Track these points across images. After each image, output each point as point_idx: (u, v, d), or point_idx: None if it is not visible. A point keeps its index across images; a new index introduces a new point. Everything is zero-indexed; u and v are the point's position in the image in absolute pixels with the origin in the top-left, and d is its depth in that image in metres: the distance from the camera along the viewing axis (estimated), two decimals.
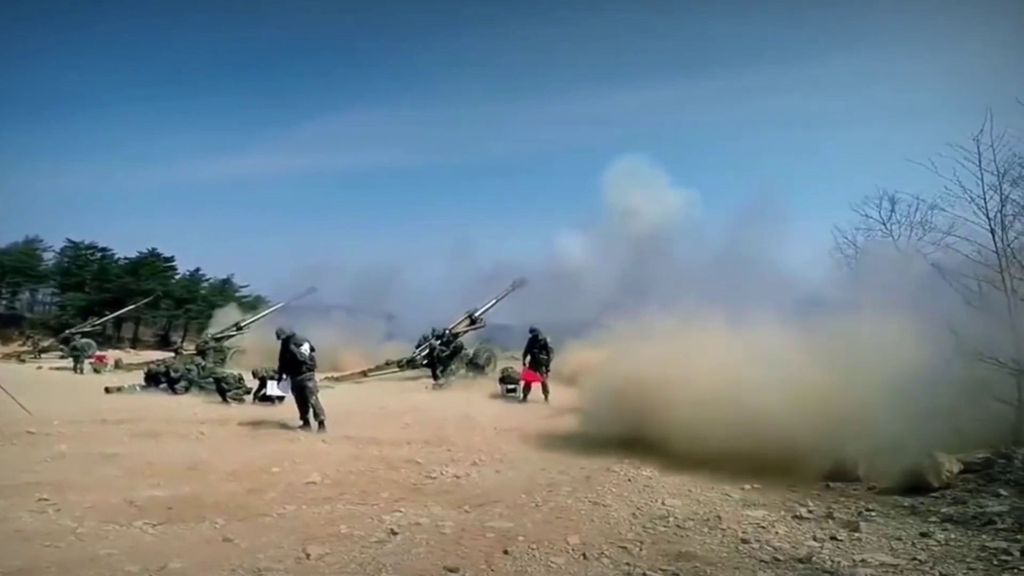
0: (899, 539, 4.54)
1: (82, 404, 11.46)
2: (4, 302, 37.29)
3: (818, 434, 6.13)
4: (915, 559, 4.14)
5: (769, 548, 4.44)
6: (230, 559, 4.10)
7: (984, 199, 5.95)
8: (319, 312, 24.48)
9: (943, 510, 5.09)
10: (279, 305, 25.02)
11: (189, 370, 14.31)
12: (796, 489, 5.97)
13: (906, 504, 5.33)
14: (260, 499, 5.63)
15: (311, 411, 9.54)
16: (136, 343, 34.33)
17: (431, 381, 17.69)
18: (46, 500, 5.27)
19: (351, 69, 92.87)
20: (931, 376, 5.56)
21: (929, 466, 5.62)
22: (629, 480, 6.57)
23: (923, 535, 4.59)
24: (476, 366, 18.39)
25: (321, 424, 9.42)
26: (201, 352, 19.25)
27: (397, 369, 19.13)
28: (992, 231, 6.12)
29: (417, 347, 19.29)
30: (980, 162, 5.95)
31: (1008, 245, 5.27)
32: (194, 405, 12.03)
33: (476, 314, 20.27)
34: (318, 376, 10.50)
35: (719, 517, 5.17)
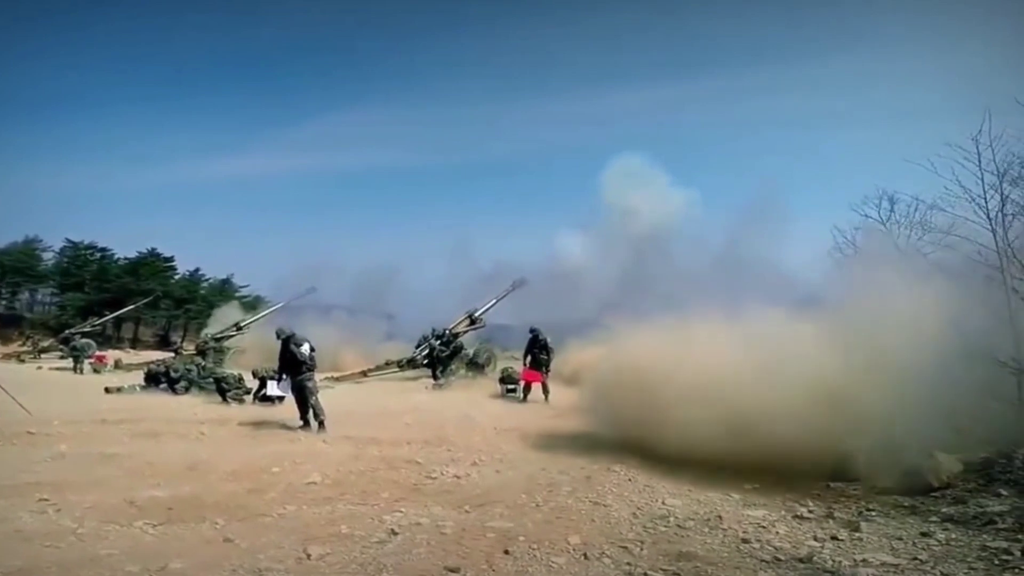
0: (900, 539, 4.55)
1: (82, 404, 11.45)
2: (4, 302, 37.28)
3: (817, 433, 6.09)
4: (916, 559, 4.14)
5: (770, 548, 4.44)
6: (231, 559, 4.09)
7: (985, 199, 5.95)
8: (319, 312, 24.51)
9: (944, 510, 5.10)
10: (279, 305, 25.02)
11: (189, 370, 14.30)
12: (796, 489, 5.96)
13: (906, 504, 5.33)
14: (260, 499, 5.62)
15: (311, 411, 9.53)
16: (136, 343, 34.33)
17: (431, 381, 17.70)
18: (46, 500, 5.26)
19: (351, 69, 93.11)
20: (932, 375, 5.54)
21: (929, 466, 5.62)
22: (629, 480, 6.56)
23: (924, 535, 4.59)
24: (476, 366, 18.39)
25: (321, 424, 9.41)
26: (201, 352, 19.23)
27: (397, 369, 19.14)
28: (993, 230, 6.12)
29: (417, 347, 19.30)
30: (980, 162, 5.96)
31: (1009, 244, 5.27)
32: (194, 405, 12.02)
33: (476, 314, 20.27)
34: (318, 376, 10.50)
35: (720, 517, 5.17)
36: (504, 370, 15.62)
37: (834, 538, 4.62)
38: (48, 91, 79.73)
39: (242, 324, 22.89)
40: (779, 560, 4.20)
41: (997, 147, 6.06)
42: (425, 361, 18.74)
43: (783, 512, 5.33)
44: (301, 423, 9.54)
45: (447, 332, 19.00)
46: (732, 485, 6.11)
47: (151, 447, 7.83)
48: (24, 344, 26.94)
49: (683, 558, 4.25)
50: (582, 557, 4.26)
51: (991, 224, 6.09)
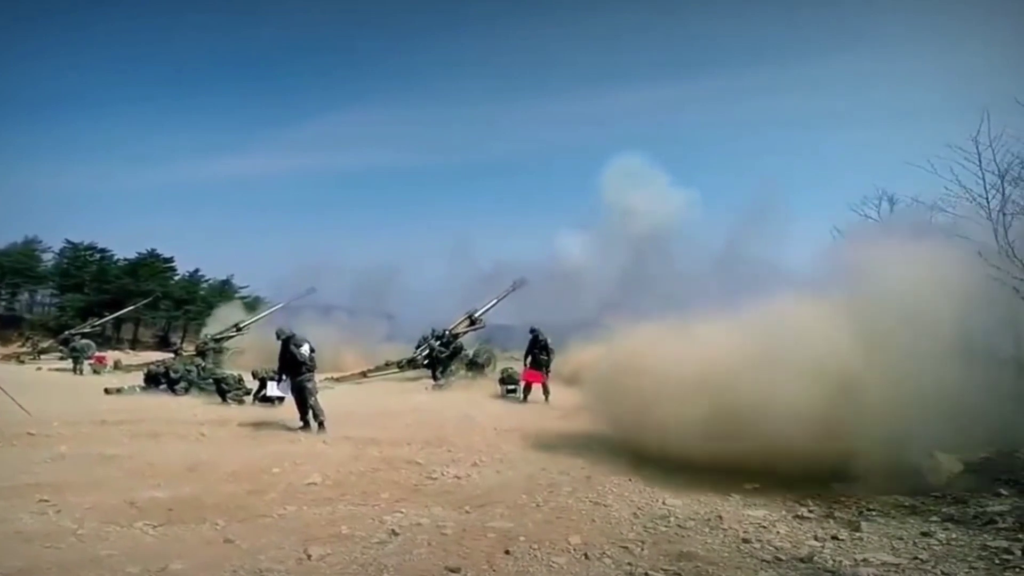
0: (900, 539, 4.55)
1: (82, 405, 11.45)
2: (3, 303, 37.32)
3: (817, 428, 6.01)
4: (917, 558, 4.14)
5: (770, 548, 4.44)
6: (231, 560, 4.09)
7: (987, 198, 5.94)
8: (319, 312, 24.52)
9: (944, 510, 5.10)
10: (279, 305, 25.01)
11: (189, 371, 14.30)
12: (797, 489, 5.95)
13: (907, 504, 5.33)
14: (261, 500, 5.62)
15: (310, 412, 9.53)
16: (135, 344, 34.36)
17: (431, 382, 17.70)
18: (46, 501, 5.26)
19: (351, 69, 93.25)
20: (934, 374, 5.50)
21: (930, 466, 5.61)
22: (630, 480, 6.56)
23: (924, 534, 4.59)
24: (476, 366, 18.40)
25: (321, 425, 9.41)
26: (201, 353, 19.24)
27: (397, 370, 19.14)
28: (995, 230, 6.11)
29: (417, 348, 19.30)
30: (980, 162, 5.95)
31: (1010, 244, 5.26)
32: (194, 406, 12.02)
33: (476, 315, 20.27)
34: (318, 377, 10.49)
35: (720, 517, 5.17)
36: (504, 370, 15.63)
37: (835, 538, 4.62)
38: (48, 91, 79.90)
39: (241, 325, 22.90)
40: (780, 560, 4.20)
41: (997, 147, 6.06)
42: (425, 362, 18.74)
43: (783, 512, 5.33)
44: (301, 424, 9.54)
45: (447, 333, 19.01)
46: (732, 485, 6.10)
47: (151, 448, 7.83)
48: (24, 345, 26.93)
49: (684, 558, 4.25)
50: (583, 557, 4.26)
51: (993, 224, 6.08)
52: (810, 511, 5.31)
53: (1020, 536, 4.37)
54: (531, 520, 5.18)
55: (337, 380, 17.31)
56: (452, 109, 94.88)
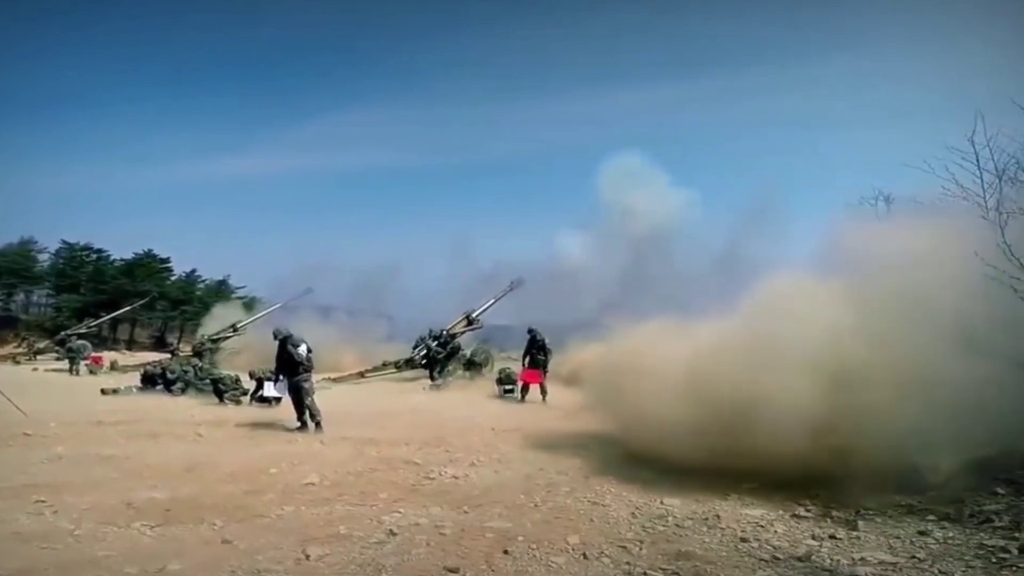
0: (898, 537, 4.56)
1: (78, 406, 11.42)
2: None
3: (815, 424, 5.96)
4: (914, 557, 4.16)
5: (768, 547, 4.45)
6: (229, 560, 4.08)
7: (984, 198, 5.95)
8: (319, 313, 24.49)
9: (941, 508, 5.10)
10: (276, 306, 24.98)
11: (186, 371, 14.27)
12: (794, 488, 5.95)
13: (904, 503, 5.33)
14: (258, 500, 5.61)
15: (307, 412, 9.52)
16: (132, 344, 34.30)
17: (429, 382, 17.70)
18: (43, 502, 5.24)
19: (351, 69, 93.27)
20: (933, 372, 5.46)
21: (927, 465, 5.60)
22: (628, 479, 6.56)
23: (921, 533, 4.61)
24: (474, 366, 18.41)
25: (318, 425, 9.40)
26: (197, 353, 19.21)
27: (395, 370, 19.14)
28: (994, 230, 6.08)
29: (414, 348, 19.30)
30: (978, 161, 5.95)
31: (1007, 243, 5.27)
32: (191, 406, 12.00)
33: (474, 315, 20.28)
34: (315, 377, 10.48)
35: (718, 516, 5.19)
36: (502, 370, 15.64)
37: (832, 537, 4.63)
38: (48, 91, 79.76)
39: (238, 325, 22.86)
40: (777, 559, 4.21)
41: (994, 146, 6.07)
42: (423, 362, 18.75)
43: (781, 511, 5.34)
44: (298, 424, 9.53)
45: (444, 333, 19.02)
46: (730, 484, 6.10)
47: (148, 448, 7.81)
48: (20, 346, 26.91)
49: (682, 557, 4.26)
50: (581, 557, 4.27)
51: (990, 223, 6.07)
52: (807, 510, 5.32)
53: (1016, 535, 4.39)
54: (529, 520, 5.18)
55: (335, 380, 17.31)
56: (452, 109, 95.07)
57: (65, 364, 19.78)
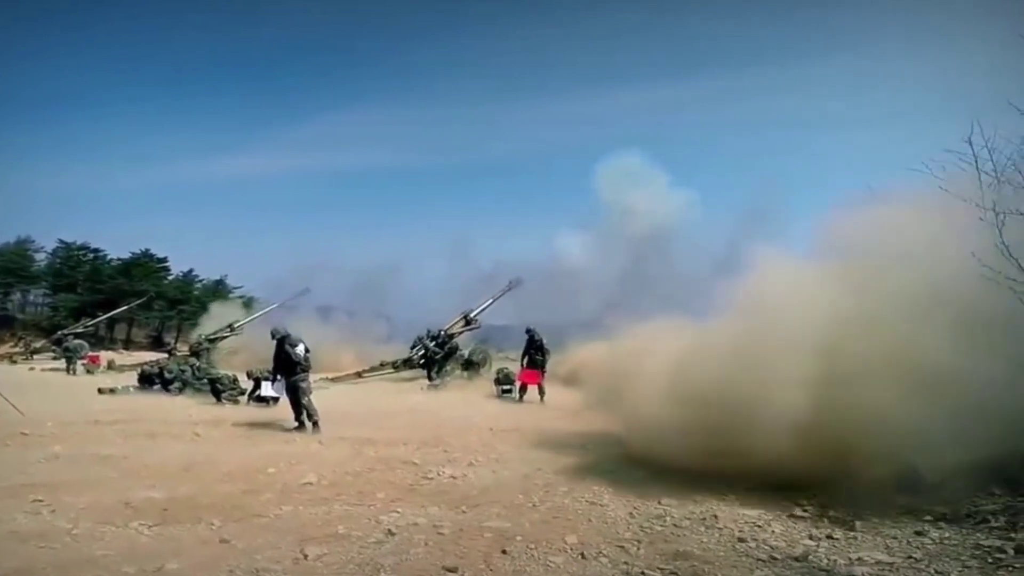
0: (894, 537, 4.58)
1: (75, 405, 11.41)
2: None
3: (811, 430, 5.96)
4: (911, 557, 4.17)
5: (765, 547, 4.46)
6: (227, 560, 4.08)
7: (982, 198, 5.95)
8: (318, 312, 24.48)
9: (937, 508, 5.11)
10: (273, 306, 24.96)
11: (183, 371, 14.26)
12: (791, 488, 5.96)
13: (901, 503, 5.34)
14: (256, 500, 5.61)
15: (304, 412, 9.51)
16: (129, 344, 34.27)
17: (427, 382, 17.70)
18: (41, 501, 5.23)
19: (351, 69, 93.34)
20: (933, 372, 5.45)
21: (924, 465, 5.61)
22: (626, 479, 6.56)
23: (918, 533, 4.62)
24: (472, 366, 18.42)
25: (315, 424, 9.40)
26: (195, 353, 19.17)
27: (392, 370, 19.15)
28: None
29: (412, 348, 19.31)
30: (976, 162, 5.95)
31: (1005, 244, 5.28)
32: (188, 406, 11.99)
33: (472, 315, 20.30)
34: (313, 377, 10.47)
35: (715, 516, 5.19)
36: (500, 371, 15.66)
37: (829, 537, 4.64)
38: (48, 91, 79.65)
39: (236, 325, 22.84)
40: (775, 559, 4.22)
41: (992, 146, 6.08)
42: (420, 362, 18.75)
43: (778, 511, 5.34)
44: (296, 424, 9.52)
45: (442, 333, 19.03)
46: (728, 484, 6.11)
47: (146, 448, 7.80)
48: (16, 345, 26.86)
49: (679, 557, 4.27)
50: (579, 556, 4.27)
51: (988, 224, 6.08)
52: (804, 510, 5.33)
53: (1013, 535, 4.40)
54: (528, 520, 5.18)
55: (333, 380, 17.30)
56: (452, 109, 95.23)
57: (62, 364, 19.75)
